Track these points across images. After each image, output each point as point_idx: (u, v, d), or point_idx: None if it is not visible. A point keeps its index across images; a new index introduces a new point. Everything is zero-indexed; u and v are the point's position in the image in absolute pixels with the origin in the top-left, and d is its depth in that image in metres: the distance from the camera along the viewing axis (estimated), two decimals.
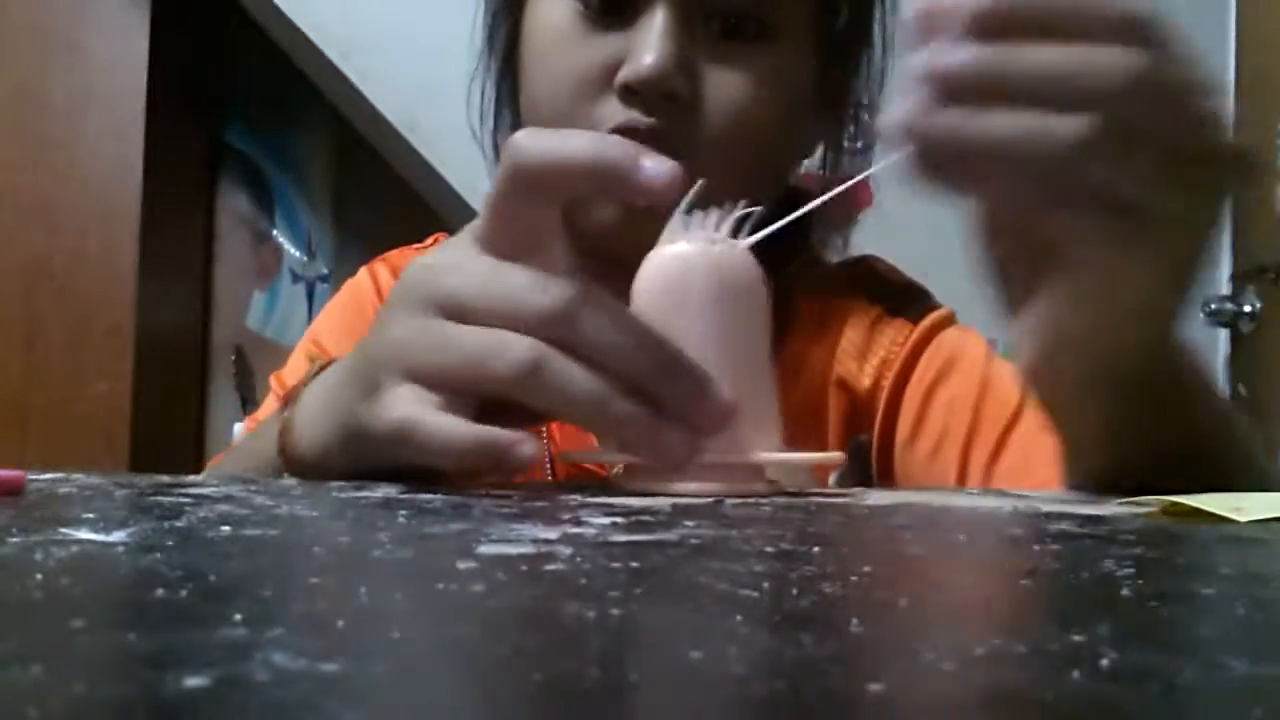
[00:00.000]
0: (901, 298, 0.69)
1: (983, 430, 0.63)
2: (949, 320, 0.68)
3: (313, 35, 1.68)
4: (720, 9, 0.58)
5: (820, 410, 0.66)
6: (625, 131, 0.56)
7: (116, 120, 1.97)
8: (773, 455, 0.49)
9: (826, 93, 0.65)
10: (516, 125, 0.68)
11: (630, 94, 0.57)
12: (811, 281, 0.70)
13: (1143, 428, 0.46)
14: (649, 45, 0.56)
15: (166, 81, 2.04)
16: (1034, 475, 0.60)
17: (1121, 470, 0.47)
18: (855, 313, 0.68)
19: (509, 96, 0.68)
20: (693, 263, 0.47)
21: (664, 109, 0.57)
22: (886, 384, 0.65)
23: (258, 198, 2.37)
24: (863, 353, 0.66)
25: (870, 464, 0.66)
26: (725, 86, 0.58)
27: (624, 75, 0.57)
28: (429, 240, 0.79)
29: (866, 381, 0.65)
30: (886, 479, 0.65)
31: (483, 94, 0.70)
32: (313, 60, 1.77)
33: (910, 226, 1.62)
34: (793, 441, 0.48)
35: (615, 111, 0.57)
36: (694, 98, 0.58)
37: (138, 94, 1.98)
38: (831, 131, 0.68)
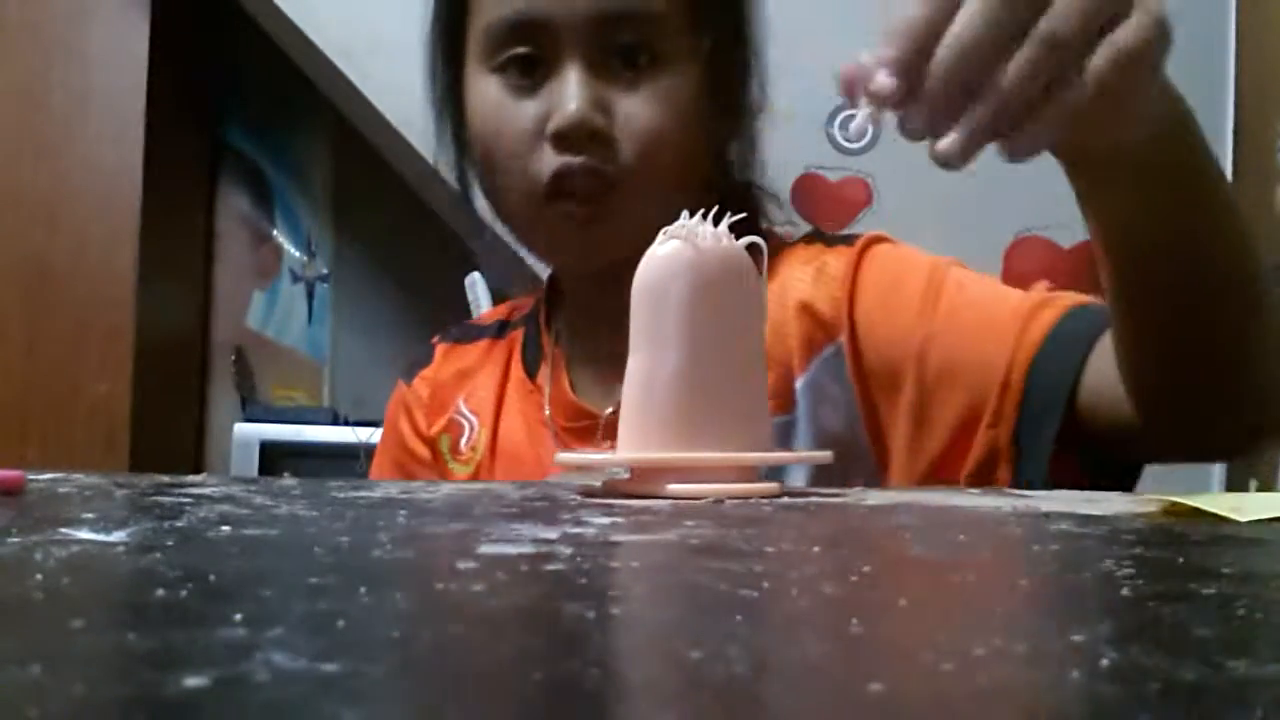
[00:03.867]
0: (838, 239, 0.78)
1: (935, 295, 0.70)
2: (883, 237, 0.76)
3: (313, 35, 1.68)
4: (616, 51, 0.70)
5: (785, 333, 0.73)
6: (562, 173, 0.68)
7: (116, 120, 1.97)
8: (764, 455, 0.49)
9: (719, 97, 0.75)
10: (479, 176, 0.79)
11: (561, 140, 0.69)
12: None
13: (1166, 207, 0.54)
14: (569, 96, 0.68)
15: (166, 81, 2.04)
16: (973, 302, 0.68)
17: (1149, 265, 0.56)
18: (796, 253, 0.77)
19: (468, 160, 0.80)
20: (677, 260, 0.48)
21: (589, 146, 0.69)
22: (843, 297, 0.72)
23: (258, 198, 2.37)
24: (816, 281, 0.74)
25: (844, 371, 0.71)
26: (634, 112, 0.70)
27: (553, 125, 0.69)
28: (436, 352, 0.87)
29: (824, 306, 0.73)
30: (862, 382, 0.71)
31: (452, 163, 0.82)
32: (313, 60, 1.77)
33: (910, 229, 1.62)
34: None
35: (550, 158, 0.69)
36: (611, 129, 0.69)
37: (138, 94, 1.97)
38: (733, 127, 0.78)
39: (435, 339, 0.87)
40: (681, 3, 0.72)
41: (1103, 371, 0.62)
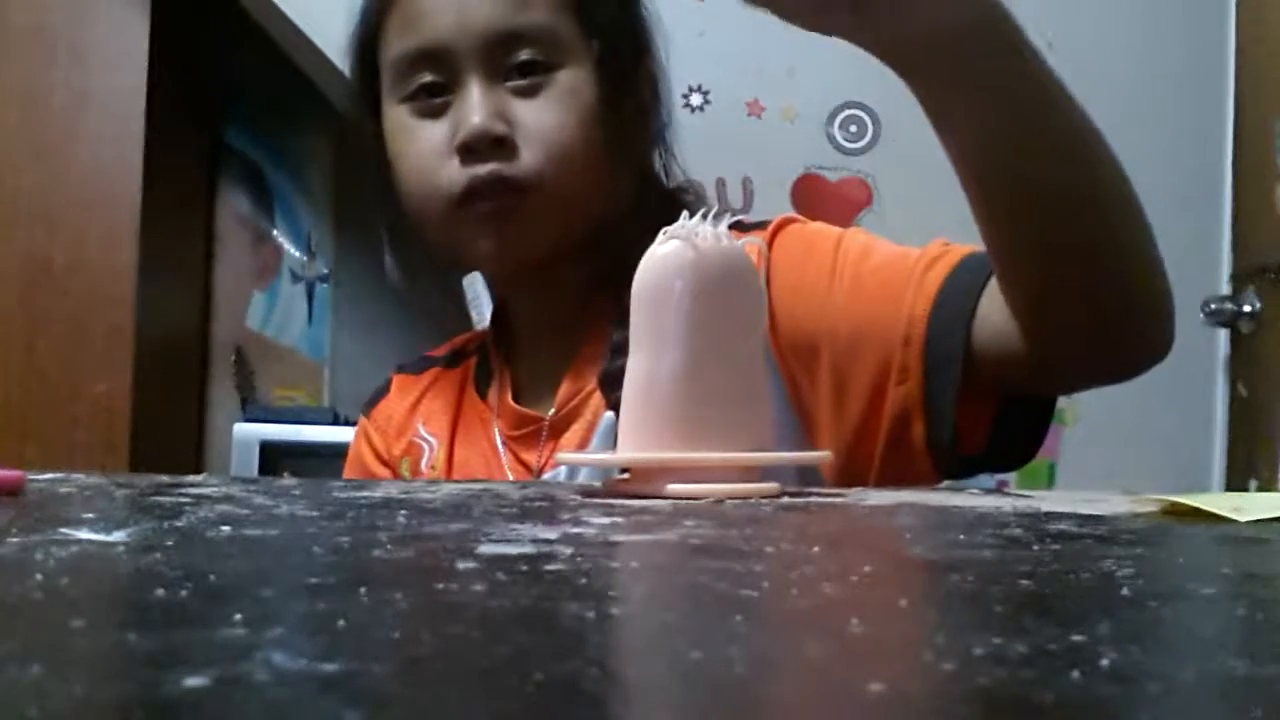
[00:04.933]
0: (754, 225, 0.80)
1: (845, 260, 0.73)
2: (792, 219, 0.79)
3: (313, 35, 1.68)
4: (513, 65, 0.76)
5: None
6: (474, 186, 0.73)
7: (116, 120, 1.97)
8: (763, 455, 0.49)
9: (617, 98, 0.79)
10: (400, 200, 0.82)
11: (469, 151, 0.74)
12: None
13: (993, 80, 0.57)
14: (471, 110, 0.74)
15: (166, 81, 2.03)
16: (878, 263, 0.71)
17: (995, 141, 0.58)
18: None
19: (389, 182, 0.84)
20: (677, 260, 0.48)
21: (495, 154, 0.74)
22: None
23: (258, 198, 2.36)
24: None
25: (768, 352, 0.72)
26: (533, 117, 0.75)
27: (460, 138, 0.74)
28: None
29: None
30: (784, 360, 0.73)
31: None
32: (313, 60, 1.76)
33: (910, 229, 1.62)
34: None
35: (460, 171, 0.74)
36: (514, 135, 0.74)
37: (138, 94, 1.97)
38: (643, 135, 0.82)
39: (392, 373, 0.92)
40: (569, 14, 0.78)
41: (993, 312, 0.64)
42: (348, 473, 0.91)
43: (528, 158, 0.74)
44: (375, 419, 0.89)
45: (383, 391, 0.91)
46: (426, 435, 0.84)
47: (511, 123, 0.75)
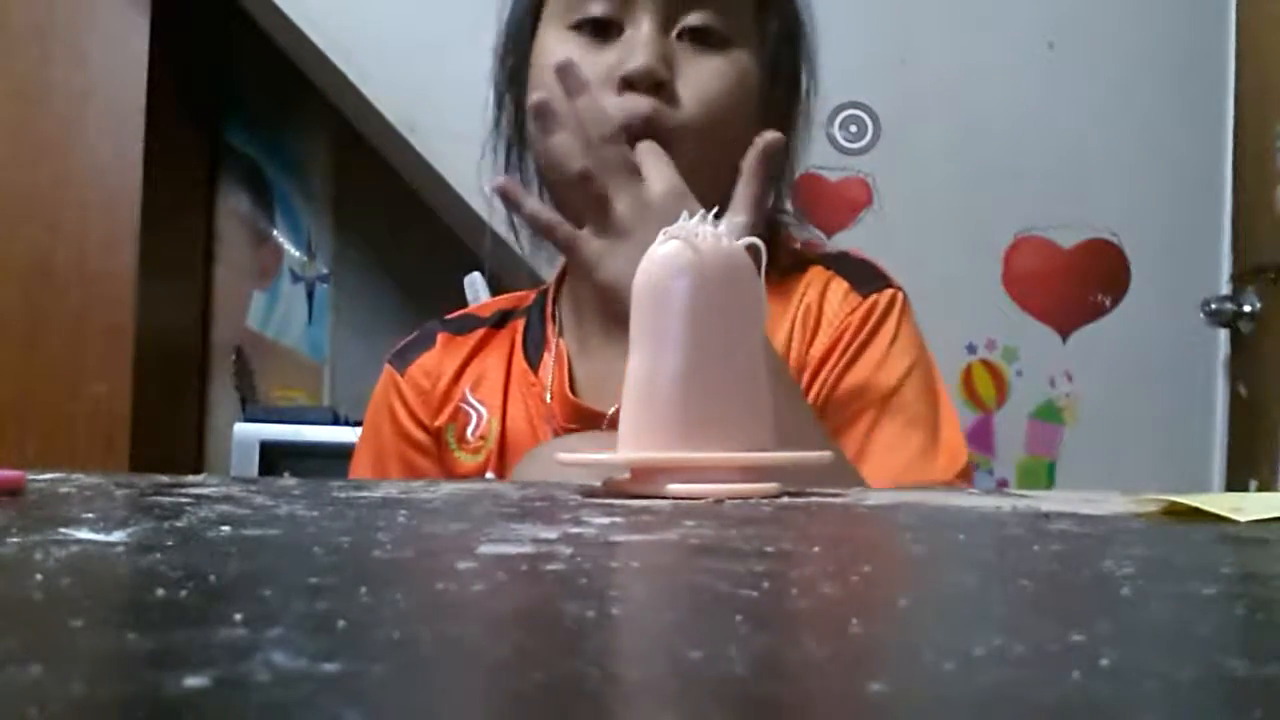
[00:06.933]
0: (858, 272, 0.81)
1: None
2: (899, 293, 0.80)
3: (313, 35, 1.68)
4: (688, 25, 0.76)
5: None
6: (628, 123, 0.70)
7: (116, 120, 1.97)
8: (763, 456, 0.49)
9: (772, 108, 0.79)
10: (521, 140, 0.82)
11: (630, 86, 0.73)
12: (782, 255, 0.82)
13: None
14: (640, 48, 0.73)
15: (166, 81, 2.04)
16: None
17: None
18: (816, 275, 0.82)
19: (514, 120, 0.83)
20: (678, 261, 0.48)
21: (655, 95, 0.73)
22: (823, 341, 0.78)
23: (258, 198, 2.36)
24: (819, 307, 0.79)
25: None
26: (696, 78, 0.75)
27: (627, 69, 0.73)
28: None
29: (816, 346, 0.78)
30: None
31: (497, 122, 0.85)
32: (313, 60, 1.76)
33: (910, 229, 1.62)
34: None
35: (614, 103, 0.72)
36: (675, 86, 0.74)
37: (138, 94, 1.97)
38: (790, 146, 0.82)
39: (435, 328, 0.87)
40: (751, 2, 0.78)
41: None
42: (371, 435, 0.86)
43: (687, 108, 0.74)
44: (411, 376, 0.84)
45: (423, 344, 0.86)
46: (475, 402, 0.81)
47: (676, 72, 0.74)
